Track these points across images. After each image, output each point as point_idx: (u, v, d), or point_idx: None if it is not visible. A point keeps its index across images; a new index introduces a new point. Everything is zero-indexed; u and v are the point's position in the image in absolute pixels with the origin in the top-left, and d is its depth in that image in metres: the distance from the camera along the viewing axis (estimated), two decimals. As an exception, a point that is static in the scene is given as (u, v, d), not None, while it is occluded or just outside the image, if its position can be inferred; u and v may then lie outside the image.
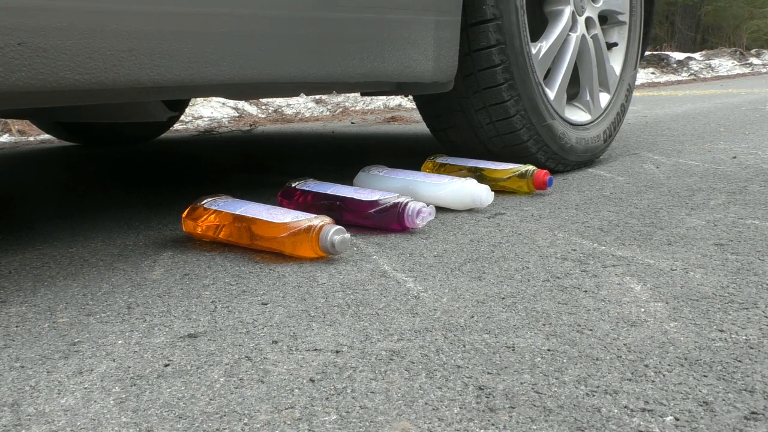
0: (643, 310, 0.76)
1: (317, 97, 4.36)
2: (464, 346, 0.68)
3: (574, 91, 1.76)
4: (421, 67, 1.30)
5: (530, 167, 1.41)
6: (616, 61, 1.91)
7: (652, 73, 7.81)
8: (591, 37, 1.74)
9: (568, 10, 1.64)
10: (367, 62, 1.19)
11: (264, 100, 4.21)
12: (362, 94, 1.68)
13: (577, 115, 1.76)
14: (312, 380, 0.62)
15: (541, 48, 1.59)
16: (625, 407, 0.56)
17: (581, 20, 1.71)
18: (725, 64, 9.25)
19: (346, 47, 1.16)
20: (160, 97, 1.05)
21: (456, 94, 1.52)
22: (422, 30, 1.29)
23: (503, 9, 1.43)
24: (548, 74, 1.64)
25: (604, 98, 1.85)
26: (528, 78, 1.50)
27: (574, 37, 1.67)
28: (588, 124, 1.76)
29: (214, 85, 1.00)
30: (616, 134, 1.91)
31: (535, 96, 1.53)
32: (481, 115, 1.51)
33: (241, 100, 1.25)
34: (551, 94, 1.62)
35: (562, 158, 1.64)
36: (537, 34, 1.65)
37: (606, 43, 1.85)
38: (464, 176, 1.38)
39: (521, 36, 1.48)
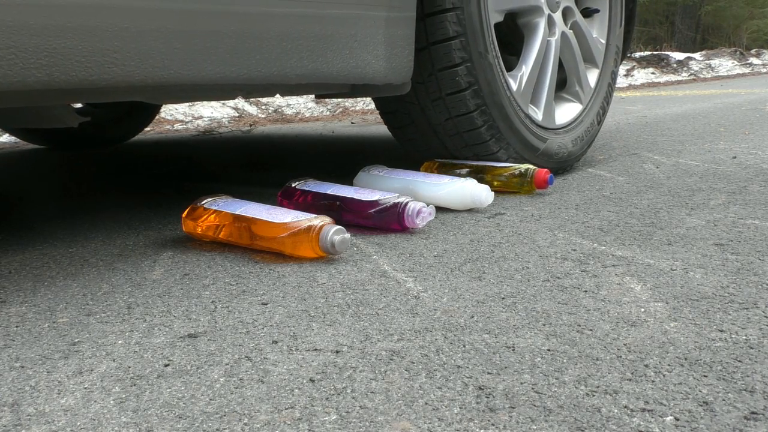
0: (643, 310, 0.76)
1: (317, 97, 4.35)
2: (464, 346, 0.68)
3: (560, 77, 1.68)
4: (371, 67, 1.20)
5: (530, 166, 1.41)
6: (600, 29, 1.79)
7: (652, 73, 7.80)
8: (571, 28, 1.65)
9: (542, 22, 1.54)
10: (307, 62, 1.10)
11: (264, 100, 4.21)
12: (317, 97, 1.60)
13: (569, 111, 1.70)
14: (312, 380, 0.62)
15: (522, 77, 1.51)
16: (625, 407, 0.56)
17: (558, 17, 1.61)
18: (725, 64, 9.25)
19: (282, 45, 1.06)
20: (58, 100, 0.96)
21: (443, 145, 1.50)
22: (370, 27, 1.19)
23: (478, 76, 1.38)
24: (533, 90, 1.57)
25: (592, 76, 1.77)
26: (514, 122, 1.46)
27: (554, 42, 1.58)
28: (581, 114, 1.70)
29: (122, 87, 0.92)
30: (609, 107, 1.84)
31: (525, 134, 1.49)
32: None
33: (164, 103, 1.15)
34: (539, 115, 1.56)
35: (561, 167, 1.65)
36: (514, 44, 1.58)
37: (587, 10, 1.75)
38: (464, 176, 1.38)
39: (502, 91, 1.42)
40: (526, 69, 1.53)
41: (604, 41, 1.80)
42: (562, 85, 1.73)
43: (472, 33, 1.37)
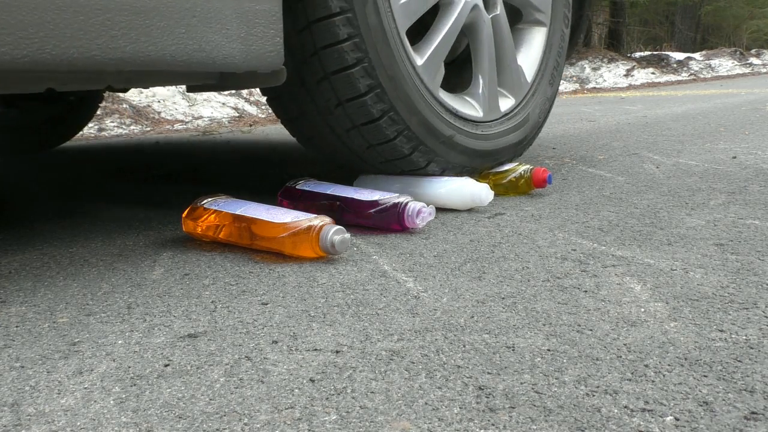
0: (643, 310, 0.76)
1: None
2: (464, 346, 0.68)
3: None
4: (222, 51, 0.97)
5: (527, 166, 1.41)
6: None
7: (652, 73, 7.81)
8: None
9: (485, 18, 1.39)
10: (123, 43, 0.86)
11: (264, 100, 4.20)
12: (188, 89, 1.27)
13: (534, 48, 1.55)
14: (312, 380, 0.62)
15: (483, 93, 1.39)
16: (625, 407, 0.56)
17: None
18: (725, 64, 9.26)
19: (78, 20, 0.83)
20: None
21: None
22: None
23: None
24: (498, 78, 1.43)
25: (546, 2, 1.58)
26: (494, 142, 1.41)
27: (501, 18, 1.43)
28: (547, 41, 1.57)
29: None
30: (580, 37, 1.66)
31: (511, 138, 1.44)
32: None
33: None
34: (512, 99, 1.49)
35: (547, 118, 1.62)
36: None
37: None
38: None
39: (480, 131, 1.37)
40: (483, 80, 1.41)
41: None
42: (517, 16, 1.55)
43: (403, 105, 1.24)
